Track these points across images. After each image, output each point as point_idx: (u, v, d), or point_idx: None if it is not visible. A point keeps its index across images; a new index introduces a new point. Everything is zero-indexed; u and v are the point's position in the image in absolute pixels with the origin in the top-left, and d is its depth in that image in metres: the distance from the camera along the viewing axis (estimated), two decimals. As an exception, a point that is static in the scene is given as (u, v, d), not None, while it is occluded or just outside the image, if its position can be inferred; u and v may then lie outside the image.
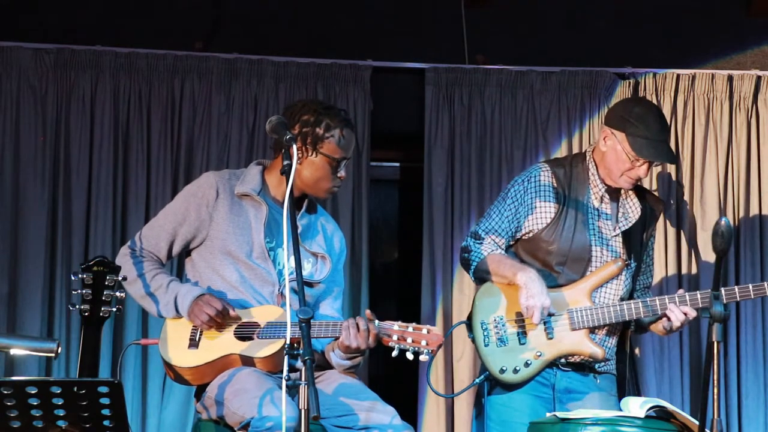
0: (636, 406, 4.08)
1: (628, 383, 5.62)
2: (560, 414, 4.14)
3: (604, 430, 4.04)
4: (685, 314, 4.45)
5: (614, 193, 4.54)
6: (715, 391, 3.61)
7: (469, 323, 4.50)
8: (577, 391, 4.48)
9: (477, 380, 4.45)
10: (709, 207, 5.95)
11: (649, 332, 4.69)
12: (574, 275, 4.47)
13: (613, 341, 4.55)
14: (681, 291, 4.53)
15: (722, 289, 4.37)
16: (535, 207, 4.48)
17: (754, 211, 5.99)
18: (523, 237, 4.52)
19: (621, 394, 4.61)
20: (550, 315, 4.38)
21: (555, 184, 4.49)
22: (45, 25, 5.90)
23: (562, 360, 4.45)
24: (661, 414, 4.10)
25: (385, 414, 3.96)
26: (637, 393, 5.62)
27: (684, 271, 5.97)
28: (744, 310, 5.92)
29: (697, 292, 4.52)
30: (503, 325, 4.43)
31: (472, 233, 4.54)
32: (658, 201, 4.74)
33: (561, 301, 4.42)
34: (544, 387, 4.45)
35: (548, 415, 4.21)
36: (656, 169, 5.97)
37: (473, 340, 4.46)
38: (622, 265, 4.48)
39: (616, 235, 4.52)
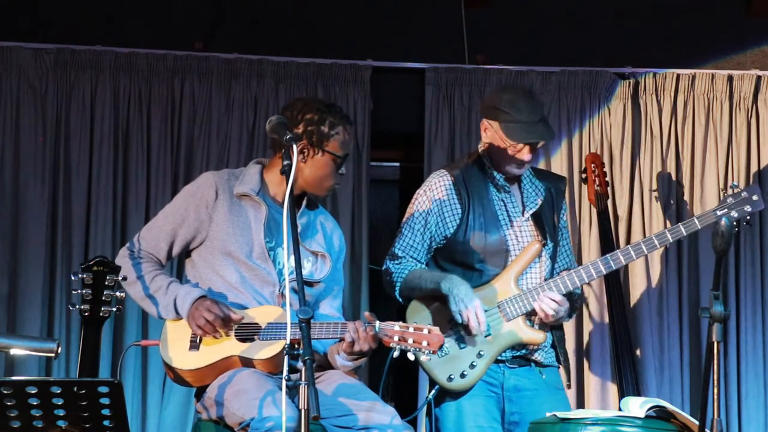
0: (636, 406, 4.08)
1: (627, 383, 5.64)
2: (560, 414, 4.14)
3: (604, 430, 4.03)
4: (555, 301, 4.42)
5: (514, 180, 4.57)
6: (715, 391, 3.61)
7: None
8: (526, 388, 4.48)
9: (429, 396, 4.42)
10: (709, 207, 5.94)
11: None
12: (496, 269, 4.48)
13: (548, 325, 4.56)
14: (564, 272, 4.52)
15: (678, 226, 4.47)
16: (441, 213, 4.51)
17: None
18: (439, 246, 4.54)
19: (567, 385, 4.62)
20: (484, 311, 4.38)
21: (455, 186, 4.52)
22: (45, 25, 5.90)
23: (507, 354, 4.46)
24: (661, 414, 4.10)
25: (384, 414, 3.96)
26: (637, 393, 5.62)
27: (684, 271, 5.97)
28: (744, 310, 5.92)
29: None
30: None
31: (390, 254, 4.55)
32: (560, 178, 4.78)
33: (490, 296, 4.43)
34: (493, 387, 4.45)
35: (548, 414, 4.21)
36: (656, 169, 5.98)
37: (416, 359, 4.44)
38: (540, 246, 4.50)
39: (526, 220, 4.54)
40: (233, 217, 4.16)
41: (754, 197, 4.53)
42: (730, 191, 4.59)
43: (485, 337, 4.40)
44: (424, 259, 4.53)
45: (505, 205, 4.54)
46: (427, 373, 4.44)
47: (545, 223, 4.56)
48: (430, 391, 4.42)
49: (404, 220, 4.59)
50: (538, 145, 4.52)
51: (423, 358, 3.97)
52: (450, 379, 4.39)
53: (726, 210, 4.49)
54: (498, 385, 4.46)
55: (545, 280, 4.50)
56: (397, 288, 4.49)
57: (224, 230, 4.15)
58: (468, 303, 4.33)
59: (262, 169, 4.28)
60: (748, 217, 4.53)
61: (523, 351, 4.48)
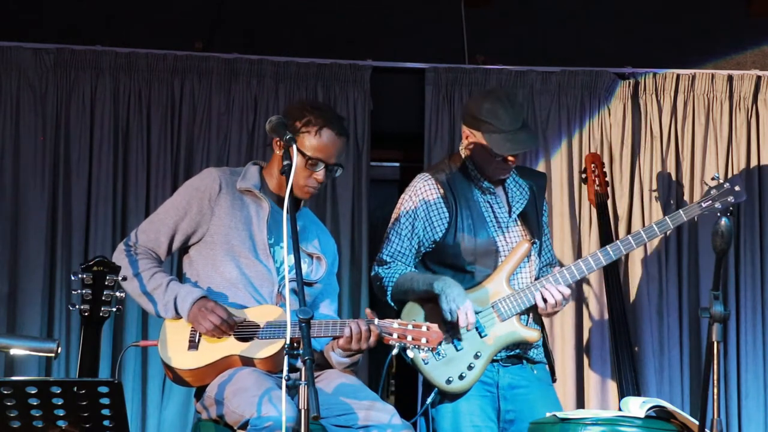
0: (636, 406, 4.08)
1: (627, 383, 5.64)
2: (560, 414, 4.14)
3: (604, 430, 4.04)
4: (561, 292, 4.46)
5: (499, 182, 4.58)
6: (715, 391, 3.61)
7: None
8: (519, 385, 4.50)
9: (429, 400, 4.43)
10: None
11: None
12: (487, 270, 4.49)
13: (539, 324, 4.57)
14: (557, 268, 4.54)
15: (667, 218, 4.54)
16: (429, 217, 4.50)
17: (754, 211, 5.99)
18: (428, 250, 4.53)
19: (552, 380, 4.63)
20: (477, 313, 4.38)
21: (440, 190, 4.51)
22: (45, 25, 5.91)
23: (502, 354, 4.46)
24: (661, 414, 4.10)
25: (384, 413, 3.96)
26: (637, 393, 5.62)
27: (684, 271, 5.97)
28: (744, 310, 5.92)
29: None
30: None
31: (378, 260, 4.54)
32: (541, 175, 4.80)
33: (483, 296, 4.44)
34: (488, 386, 4.46)
35: (548, 414, 4.21)
36: (656, 169, 5.98)
37: (412, 363, 4.43)
38: (530, 246, 4.51)
39: (513, 220, 4.55)
40: (236, 211, 4.16)
41: (737, 188, 4.57)
42: (713, 182, 4.62)
43: (481, 337, 4.41)
44: (413, 263, 4.52)
45: (492, 207, 4.54)
46: (424, 377, 4.43)
47: (531, 221, 4.58)
48: (427, 395, 4.42)
49: (390, 225, 4.58)
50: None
51: (422, 354, 3.98)
52: (449, 381, 4.39)
53: (710, 202, 4.56)
54: (493, 384, 4.47)
55: (536, 278, 4.51)
56: (388, 292, 4.48)
57: (226, 224, 4.15)
58: (459, 303, 4.33)
59: (261, 169, 4.29)
60: (731, 209, 4.57)
61: (517, 350, 4.50)
